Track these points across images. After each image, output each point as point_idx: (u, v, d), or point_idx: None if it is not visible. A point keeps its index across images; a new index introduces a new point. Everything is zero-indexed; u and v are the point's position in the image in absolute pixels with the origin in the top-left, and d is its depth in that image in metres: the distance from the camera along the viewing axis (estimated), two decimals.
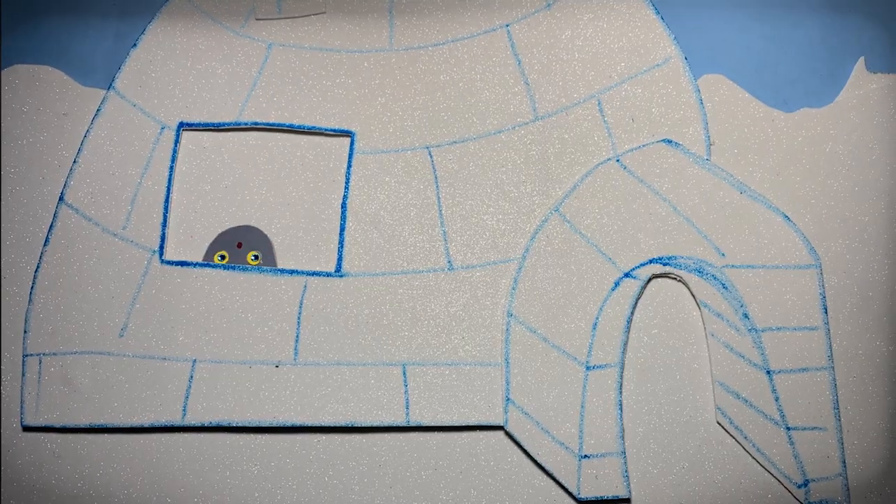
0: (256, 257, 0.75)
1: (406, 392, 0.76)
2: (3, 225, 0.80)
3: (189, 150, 0.82)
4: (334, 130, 0.81)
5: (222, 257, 0.74)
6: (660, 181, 0.79)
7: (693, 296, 0.79)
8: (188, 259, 0.79)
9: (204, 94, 0.82)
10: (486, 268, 0.79)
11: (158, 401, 0.76)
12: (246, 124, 0.82)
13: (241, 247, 0.76)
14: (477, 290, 0.78)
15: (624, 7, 0.83)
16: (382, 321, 0.78)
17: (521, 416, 0.76)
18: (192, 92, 0.82)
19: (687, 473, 0.76)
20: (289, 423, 0.76)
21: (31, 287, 0.79)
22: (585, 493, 0.74)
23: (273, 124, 0.81)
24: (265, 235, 0.77)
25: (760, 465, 0.76)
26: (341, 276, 0.79)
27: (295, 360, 0.77)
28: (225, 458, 0.76)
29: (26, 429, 0.77)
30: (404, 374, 0.77)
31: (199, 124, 0.81)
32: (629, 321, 0.77)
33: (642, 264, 0.78)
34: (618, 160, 0.80)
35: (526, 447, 0.76)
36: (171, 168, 0.81)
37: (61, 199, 0.80)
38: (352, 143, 0.81)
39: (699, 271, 0.77)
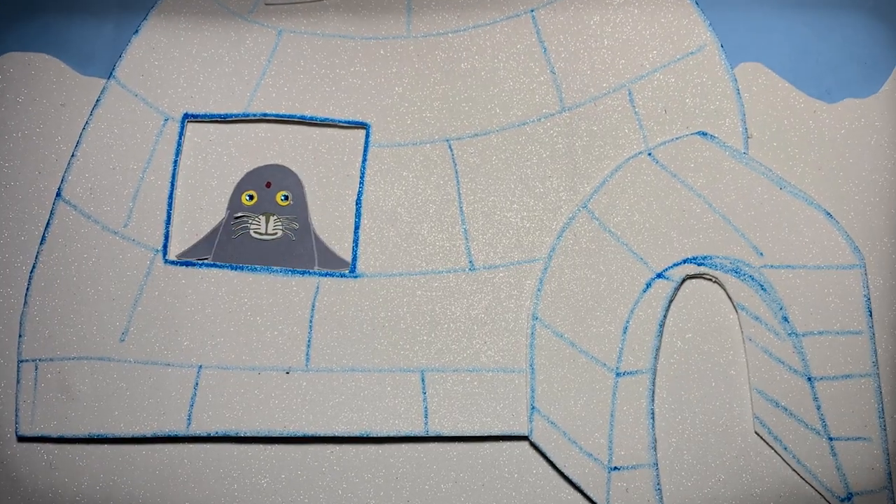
0: (286, 197, 0.75)
1: (425, 400, 0.76)
2: None
3: (194, 142, 0.81)
4: (348, 122, 0.81)
5: (250, 197, 0.74)
6: (694, 176, 0.78)
7: (729, 298, 0.77)
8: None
9: (210, 84, 0.82)
10: (510, 268, 0.78)
11: (162, 409, 0.75)
12: (254, 116, 0.81)
13: (269, 186, 0.76)
14: (500, 292, 0.77)
15: None
16: (399, 325, 0.77)
17: (546, 426, 0.75)
18: (198, 81, 0.82)
19: (723, 486, 0.75)
20: (300, 433, 0.75)
21: (27, 288, 0.78)
22: None
23: (283, 116, 0.81)
24: (295, 175, 0.77)
25: (801, 477, 0.74)
26: (356, 276, 0.78)
27: (307, 365, 0.76)
28: (232, 470, 0.76)
29: (21, 439, 0.76)
30: (423, 380, 0.76)
31: (204, 116, 0.81)
32: (662, 325, 0.76)
33: (676, 264, 0.77)
34: (649, 154, 0.79)
35: (552, 458, 0.74)
36: (176, 162, 0.80)
37: (59, 194, 0.79)
38: (367, 136, 0.80)
39: (736, 272, 0.76)
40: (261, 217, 0.78)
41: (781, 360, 0.75)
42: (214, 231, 0.78)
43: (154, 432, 0.75)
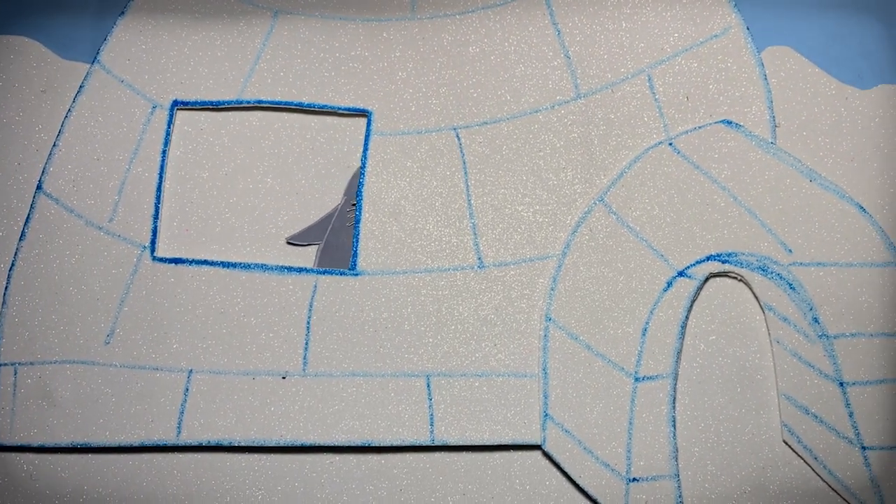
0: None
1: (430, 407, 0.75)
2: None
3: (184, 132, 0.81)
4: (349, 109, 0.81)
5: None
6: (718, 167, 0.78)
7: (756, 297, 0.77)
8: (183, 256, 0.79)
9: (201, 69, 0.82)
10: (522, 265, 0.78)
11: (150, 417, 0.75)
12: (249, 103, 0.81)
13: None
14: (511, 291, 0.77)
15: None
16: (403, 326, 0.77)
17: (560, 434, 0.74)
18: (188, 66, 0.82)
19: (749, 499, 0.74)
20: (297, 442, 0.75)
21: (6, 288, 0.77)
22: None
23: (279, 103, 0.81)
24: None
25: (832, 489, 0.74)
26: (356, 274, 0.78)
27: (304, 370, 0.76)
28: (225, 482, 0.75)
29: None
30: (428, 386, 0.76)
31: (195, 103, 0.81)
32: (683, 326, 0.76)
33: (698, 262, 0.76)
34: (671, 143, 0.79)
35: (566, 469, 0.74)
36: (164, 153, 0.80)
37: (39, 187, 0.79)
38: (369, 124, 0.80)
39: (763, 269, 0.76)
40: None
41: (811, 364, 0.74)
42: (329, 216, 0.78)
43: (141, 441, 0.74)
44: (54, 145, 0.79)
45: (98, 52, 0.81)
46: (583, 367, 0.74)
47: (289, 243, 0.77)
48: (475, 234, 0.78)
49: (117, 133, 0.80)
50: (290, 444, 0.74)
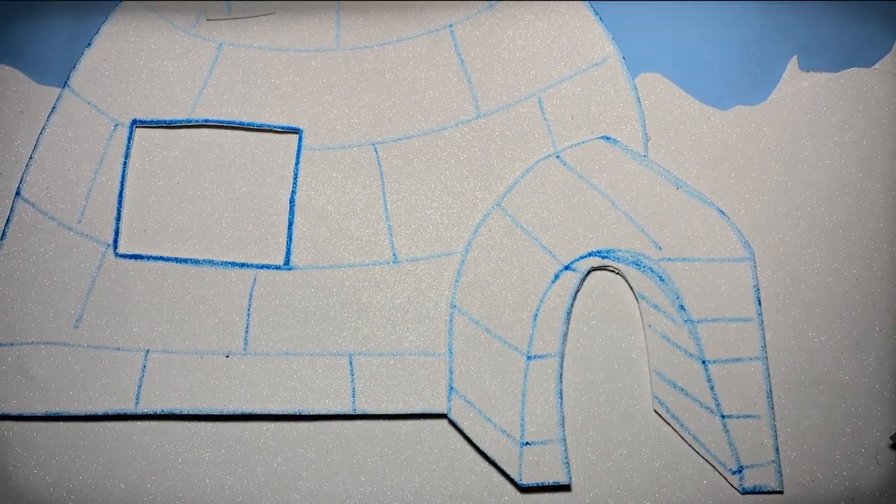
0: None
1: (352, 381, 0.76)
2: None
3: (142, 146, 0.81)
4: (283, 128, 0.81)
5: None
6: (598, 176, 0.80)
7: (631, 288, 0.79)
8: (141, 252, 0.80)
9: (156, 93, 0.82)
10: (430, 260, 0.79)
11: (112, 389, 0.76)
12: (197, 121, 0.82)
13: None
14: (421, 283, 0.79)
15: (564, 8, 0.84)
16: (330, 312, 0.78)
17: (463, 405, 0.76)
18: (145, 90, 0.82)
19: (625, 460, 0.76)
20: (239, 411, 0.76)
21: None
22: (527, 480, 0.74)
23: (223, 121, 0.81)
24: None
25: (696, 451, 0.76)
26: (290, 268, 0.79)
27: (245, 350, 0.77)
28: (177, 445, 0.77)
29: None
30: (351, 363, 0.77)
31: (151, 122, 0.81)
32: (569, 312, 0.77)
33: (582, 257, 0.78)
34: (558, 156, 0.81)
35: (469, 434, 0.76)
36: (125, 164, 0.81)
37: (18, 193, 0.80)
38: (300, 140, 0.81)
39: (637, 264, 0.78)
40: None
41: (678, 345, 0.76)
42: None
43: (105, 410, 0.75)
44: (31, 157, 0.80)
45: (68, 78, 0.82)
46: (483, 347, 0.76)
47: None
48: (390, 234, 0.79)
49: (85, 147, 0.80)
50: (232, 413, 0.75)
